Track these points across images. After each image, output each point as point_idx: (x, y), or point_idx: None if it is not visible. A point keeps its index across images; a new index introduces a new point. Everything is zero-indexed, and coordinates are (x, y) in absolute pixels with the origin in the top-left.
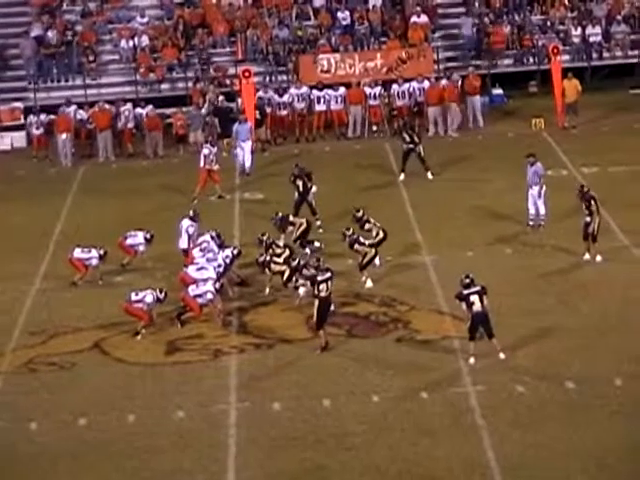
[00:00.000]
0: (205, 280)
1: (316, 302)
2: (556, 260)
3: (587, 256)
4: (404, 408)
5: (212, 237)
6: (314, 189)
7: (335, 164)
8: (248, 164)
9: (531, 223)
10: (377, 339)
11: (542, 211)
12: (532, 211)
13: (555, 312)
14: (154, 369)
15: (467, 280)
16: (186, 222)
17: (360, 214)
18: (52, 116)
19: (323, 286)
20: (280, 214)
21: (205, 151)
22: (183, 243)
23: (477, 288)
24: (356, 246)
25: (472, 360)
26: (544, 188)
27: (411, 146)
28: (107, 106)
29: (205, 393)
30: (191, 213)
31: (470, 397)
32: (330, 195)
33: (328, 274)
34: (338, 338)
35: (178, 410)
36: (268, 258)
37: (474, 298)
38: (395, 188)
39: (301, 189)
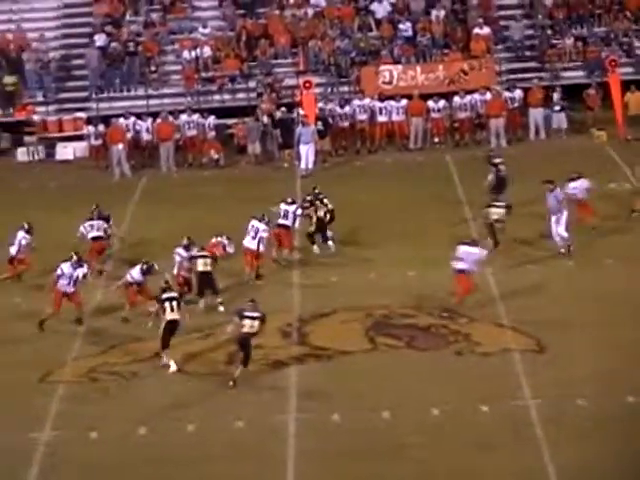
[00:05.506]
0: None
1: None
2: (621, 273)
3: None
4: (463, 421)
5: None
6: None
7: (396, 175)
8: (311, 166)
9: (562, 251)
10: (437, 351)
11: (565, 235)
12: (557, 239)
13: (617, 324)
14: (214, 379)
15: None
16: (21, 233)
17: (317, 190)
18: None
19: (247, 322)
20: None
21: None
22: (13, 251)
23: None
24: (306, 211)
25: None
26: (565, 213)
27: (495, 217)
28: (170, 118)
29: (264, 403)
30: (26, 226)
31: (530, 410)
32: (388, 206)
33: (256, 313)
34: (398, 350)
35: (237, 420)
36: None
37: None
38: (455, 199)
39: (321, 215)
